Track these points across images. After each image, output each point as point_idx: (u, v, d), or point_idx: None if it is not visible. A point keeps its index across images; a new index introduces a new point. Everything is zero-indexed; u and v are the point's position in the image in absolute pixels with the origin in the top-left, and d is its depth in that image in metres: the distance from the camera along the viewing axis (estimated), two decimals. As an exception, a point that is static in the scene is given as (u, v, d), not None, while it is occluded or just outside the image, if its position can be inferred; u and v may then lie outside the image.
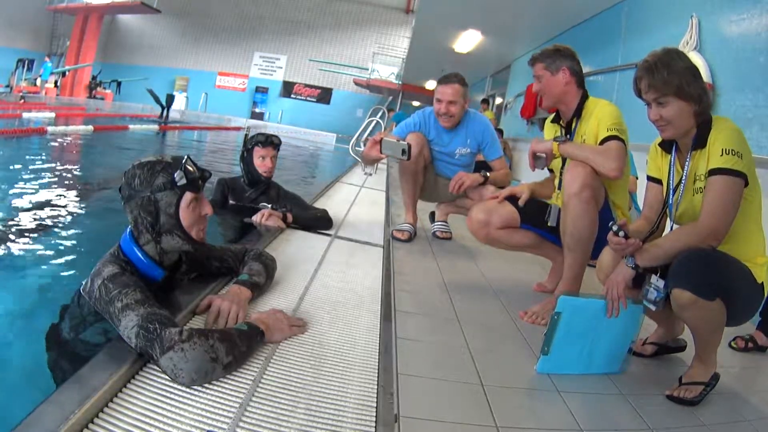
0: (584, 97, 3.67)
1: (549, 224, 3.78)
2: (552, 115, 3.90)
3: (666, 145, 2.84)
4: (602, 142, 3.39)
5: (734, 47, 5.80)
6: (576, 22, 11.17)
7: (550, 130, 3.91)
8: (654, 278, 2.67)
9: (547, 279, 4.22)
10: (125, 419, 1.73)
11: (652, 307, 2.71)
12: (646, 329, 3.11)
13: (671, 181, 2.79)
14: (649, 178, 2.98)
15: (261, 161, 4.78)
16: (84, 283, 2.39)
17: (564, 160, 3.71)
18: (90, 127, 13.87)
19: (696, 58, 6.11)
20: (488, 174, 5.17)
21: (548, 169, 3.86)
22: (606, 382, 2.68)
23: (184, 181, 2.43)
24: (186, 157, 2.51)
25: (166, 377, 1.99)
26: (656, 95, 2.59)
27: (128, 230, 2.50)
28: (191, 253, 2.67)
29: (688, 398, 2.53)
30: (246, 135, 4.88)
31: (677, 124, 2.60)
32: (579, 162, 3.38)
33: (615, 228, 2.58)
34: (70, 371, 1.88)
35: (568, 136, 3.65)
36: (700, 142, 2.61)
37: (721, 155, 2.49)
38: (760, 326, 3.51)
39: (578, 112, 3.64)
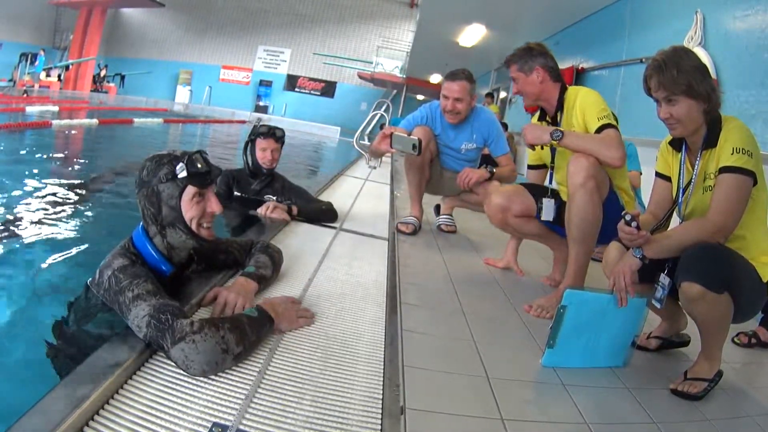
0: (563, 89, 3.71)
1: (543, 219, 3.80)
2: (536, 114, 3.95)
3: (676, 144, 2.85)
4: (597, 132, 3.41)
5: (739, 43, 5.79)
6: (580, 17, 11.15)
7: (535, 120, 3.94)
8: (662, 276, 2.69)
9: (553, 271, 4.24)
10: (132, 410, 1.74)
11: (658, 305, 2.73)
12: (650, 324, 3.12)
13: (681, 180, 2.79)
14: (658, 175, 2.99)
15: (262, 153, 4.78)
16: (93, 275, 2.40)
17: (553, 153, 3.73)
18: (95, 121, 13.90)
19: (700, 54, 6.10)
20: (494, 170, 5.18)
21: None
22: (611, 376, 2.69)
23: (184, 173, 2.42)
24: (196, 151, 2.51)
25: (173, 368, 2.00)
26: (666, 94, 2.59)
27: (141, 223, 2.51)
28: (198, 248, 2.67)
29: (692, 393, 2.54)
30: (255, 125, 4.89)
31: (687, 122, 2.61)
32: (581, 153, 3.39)
33: (627, 218, 2.58)
34: (76, 362, 1.88)
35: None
36: (710, 141, 2.62)
37: (732, 154, 2.50)
38: (763, 322, 3.52)
39: (560, 105, 3.68)
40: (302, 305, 2.82)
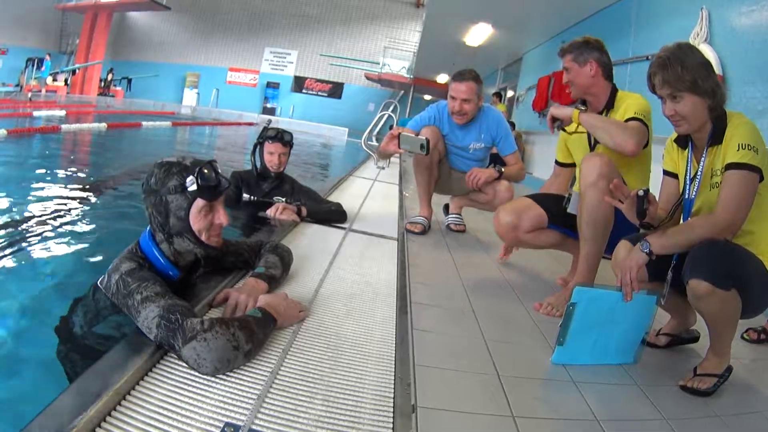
0: (615, 91, 3.69)
1: (568, 211, 3.77)
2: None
3: (681, 141, 2.85)
4: (626, 121, 3.41)
5: (744, 39, 5.79)
6: (586, 15, 11.15)
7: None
8: (669, 275, 2.70)
9: (570, 272, 4.20)
10: (144, 411, 1.74)
11: (661, 300, 2.74)
12: (660, 320, 3.12)
13: (688, 177, 2.80)
14: (665, 172, 3.00)
15: (270, 156, 4.80)
16: (100, 278, 2.41)
17: (592, 147, 3.71)
18: (103, 125, 13.94)
19: (706, 50, 6.10)
20: (502, 169, 5.19)
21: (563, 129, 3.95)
22: (620, 373, 2.70)
23: (194, 187, 2.40)
24: (207, 162, 2.48)
25: (184, 369, 2.00)
26: (670, 91, 2.59)
27: (148, 228, 2.51)
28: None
29: (702, 389, 2.54)
30: (265, 127, 4.89)
31: (692, 119, 2.61)
32: (595, 153, 3.41)
33: (641, 192, 2.60)
34: (85, 364, 1.89)
35: None
36: (716, 138, 2.62)
37: (738, 150, 2.51)
38: (773, 318, 3.52)
39: (609, 104, 3.66)
40: (312, 305, 2.85)
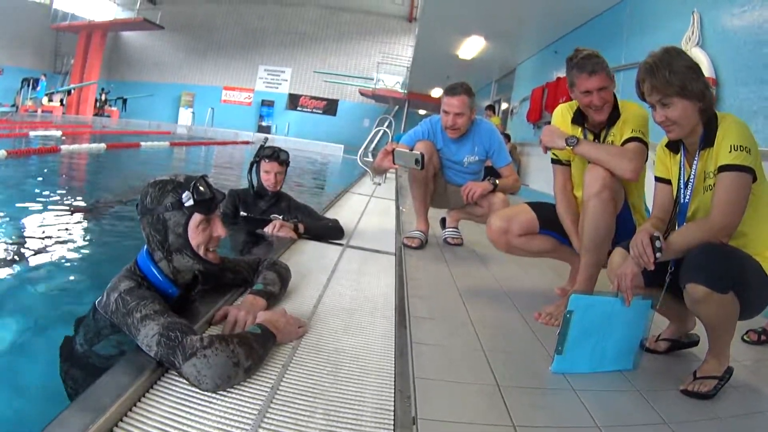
0: (615, 103, 3.56)
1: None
2: (562, 111, 3.81)
3: (672, 146, 2.86)
4: (623, 143, 3.40)
5: (737, 40, 5.82)
6: (578, 24, 11.19)
7: (565, 124, 3.73)
8: (667, 279, 2.71)
9: (568, 282, 4.18)
10: (145, 428, 1.74)
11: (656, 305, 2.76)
12: (660, 326, 3.13)
13: (682, 181, 2.80)
14: (658, 179, 3.00)
15: (266, 175, 4.82)
16: (99, 298, 2.42)
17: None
18: (102, 145, 13.99)
19: (699, 54, 6.15)
20: (497, 181, 5.19)
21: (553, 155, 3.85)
22: (621, 379, 2.70)
23: (191, 202, 2.42)
24: (200, 177, 2.50)
25: (185, 386, 2.00)
26: (660, 97, 2.60)
27: (145, 247, 2.52)
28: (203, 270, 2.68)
29: (703, 392, 2.54)
30: (261, 145, 4.90)
31: (683, 123, 2.61)
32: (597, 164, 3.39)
33: (658, 244, 2.56)
34: (87, 383, 1.89)
35: (596, 141, 3.58)
36: (708, 140, 2.63)
37: (730, 152, 2.51)
38: (772, 319, 3.52)
39: (611, 121, 3.54)
40: (312, 321, 2.86)
